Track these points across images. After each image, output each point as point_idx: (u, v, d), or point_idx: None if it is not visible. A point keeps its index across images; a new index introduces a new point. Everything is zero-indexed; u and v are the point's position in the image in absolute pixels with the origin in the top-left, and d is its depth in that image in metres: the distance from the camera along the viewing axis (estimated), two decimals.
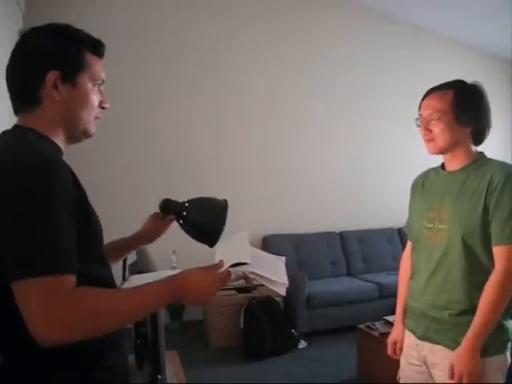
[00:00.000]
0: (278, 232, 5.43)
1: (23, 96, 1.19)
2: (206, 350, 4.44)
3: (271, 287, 1.25)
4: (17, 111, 1.21)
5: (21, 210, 0.99)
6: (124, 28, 4.93)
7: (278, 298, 4.58)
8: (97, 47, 1.25)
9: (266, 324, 4.33)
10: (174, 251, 4.80)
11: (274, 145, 5.60)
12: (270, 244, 5.31)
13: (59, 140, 1.21)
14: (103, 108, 1.29)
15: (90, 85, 1.22)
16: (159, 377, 1.47)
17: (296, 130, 5.69)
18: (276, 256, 1.39)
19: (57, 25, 1.24)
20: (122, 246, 1.60)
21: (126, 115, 4.86)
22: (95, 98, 1.25)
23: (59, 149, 1.21)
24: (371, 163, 6.08)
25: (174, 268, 4.77)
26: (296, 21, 5.66)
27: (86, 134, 1.27)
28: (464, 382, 1.66)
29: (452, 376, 1.69)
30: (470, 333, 1.67)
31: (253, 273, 1.23)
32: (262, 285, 4.25)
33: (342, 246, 5.62)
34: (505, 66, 6.93)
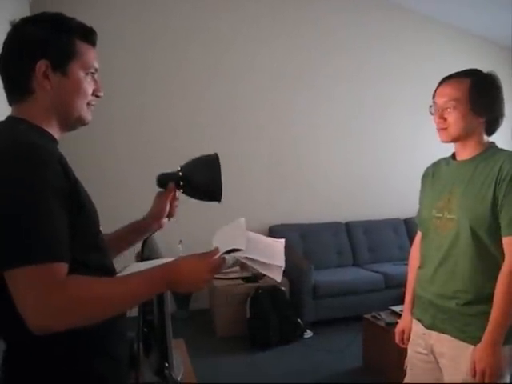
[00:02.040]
0: (285, 222, 5.43)
1: (15, 86, 1.19)
2: (212, 338, 4.46)
3: (266, 273, 1.22)
4: (10, 101, 1.21)
5: (9, 200, 1.00)
6: (131, 19, 4.91)
7: (284, 288, 4.59)
8: (88, 35, 1.24)
9: (272, 313, 4.34)
10: (181, 241, 4.82)
11: (281, 134, 5.59)
12: (276, 234, 5.30)
13: (53, 129, 1.21)
14: (98, 96, 1.29)
15: (81, 73, 1.21)
16: (166, 365, 1.48)
17: (303, 120, 5.67)
18: (275, 239, 1.37)
19: (47, 14, 1.23)
20: (128, 233, 1.59)
21: (131, 109, 4.87)
22: (87, 87, 1.23)
23: (52, 138, 1.21)
24: (378, 153, 6.05)
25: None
26: (304, 13, 5.61)
27: (80, 122, 1.26)
28: (487, 377, 1.64)
29: (474, 373, 1.67)
30: (489, 327, 1.66)
31: (247, 258, 1.20)
32: None
33: (348, 236, 5.61)
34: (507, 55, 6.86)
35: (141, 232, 1.60)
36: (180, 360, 1.84)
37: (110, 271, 1.25)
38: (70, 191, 1.09)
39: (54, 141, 1.21)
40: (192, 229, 5.06)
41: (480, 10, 5.76)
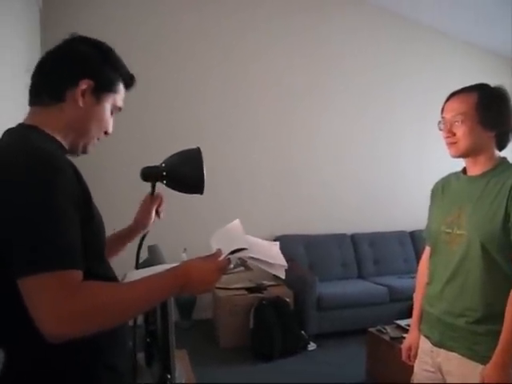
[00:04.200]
0: (290, 233, 5.41)
1: (49, 89, 1.21)
2: (215, 349, 4.43)
3: (270, 271, 1.27)
4: (33, 103, 1.23)
5: (24, 206, 0.99)
6: (137, 25, 4.94)
7: (288, 299, 4.57)
8: (130, 82, 1.34)
9: (276, 325, 4.31)
10: (185, 249, 4.80)
11: (287, 145, 5.58)
12: (281, 245, 5.21)
13: (64, 142, 1.23)
14: (106, 133, 1.32)
15: (109, 108, 1.28)
16: (168, 376, 1.46)
17: (309, 130, 5.67)
18: (270, 242, 1.40)
19: (107, 45, 1.30)
20: (113, 243, 1.58)
21: (135, 113, 4.88)
22: (108, 121, 1.29)
23: (63, 147, 1.22)
24: (384, 166, 6.04)
25: None
26: (311, 20, 5.62)
27: (83, 150, 1.30)
28: None
29: None
30: (499, 347, 1.63)
31: (251, 257, 1.25)
32: (273, 285, 4.28)
33: (353, 248, 5.59)
34: None
35: (125, 241, 1.64)
36: (182, 371, 1.82)
37: (113, 281, 1.25)
38: (82, 199, 1.10)
39: (63, 149, 1.22)
40: (196, 237, 5.04)
41: (486, 23, 5.77)
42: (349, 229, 5.72)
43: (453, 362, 1.78)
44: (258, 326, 4.33)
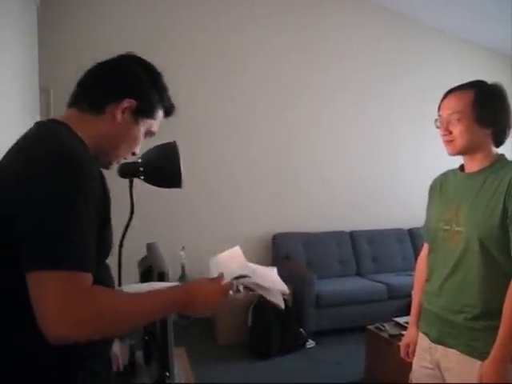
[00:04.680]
0: (288, 231, 5.41)
1: (92, 98, 1.23)
2: (213, 347, 4.43)
3: (270, 298, 1.32)
4: (71, 105, 1.25)
5: (48, 202, 0.98)
6: (135, 23, 4.93)
7: (286, 297, 4.56)
8: (170, 111, 1.35)
9: (274, 322, 4.31)
10: (183, 247, 4.80)
11: (285, 143, 5.58)
12: (279, 242, 5.29)
13: (90, 150, 1.21)
14: (133, 154, 1.34)
15: (143, 131, 1.29)
16: (167, 374, 1.46)
17: (307, 128, 5.66)
18: (267, 267, 1.43)
19: (158, 71, 1.32)
20: None
21: None
22: (138, 144, 1.31)
23: (89, 152, 1.20)
24: (383, 163, 6.04)
25: (182, 264, 4.78)
26: (310, 17, 5.61)
27: (106, 165, 1.30)
28: None
29: None
30: (498, 343, 1.63)
31: (254, 284, 1.30)
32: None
33: (351, 246, 5.59)
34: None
35: None
36: (181, 369, 1.82)
37: (109, 285, 1.24)
38: (103, 202, 1.11)
39: (88, 152, 1.20)
40: (194, 236, 5.06)
41: (483, 21, 5.77)
42: (347, 226, 5.72)
43: (451, 359, 1.78)
44: (256, 324, 4.33)
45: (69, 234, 0.98)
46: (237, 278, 1.28)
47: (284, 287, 1.37)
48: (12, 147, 1.14)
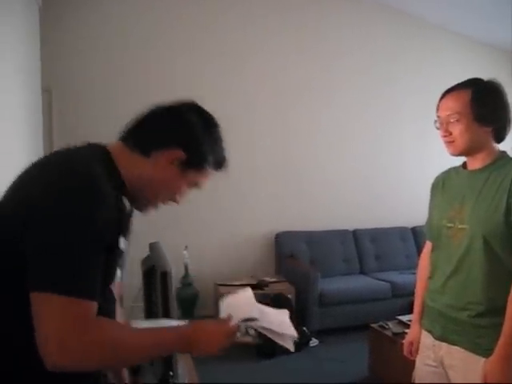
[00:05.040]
0: (291, 229, 5.41)
1: (139, 140, 1.20)
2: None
3: (280, 342, 1.31)
4: (121, 138, 1.22)
5: (62, 226, 0.97)
6: (136, 22, 4.93)
7: (290, 296, 4.56)
8: (220, 166, 1.29)
9: None
10: (186, 247, 4.81)
11: (288, 142, 5.57)
12: (282, 241, 5.29)
13: (128, 185, 1.20)
14: (174, 201, 1.30)
15: (189, 183, 1.26)
16: (171, 373, 1.45)
17: (310, 127, 5.65)
18: (279, 310, 1.42)
19: (215, 121, 1.27)
20: None
21: (133, 108, 4.86)
22: (180, 194, 1.28)
23: (122, 188, 1.18)
24: (386, 162, 6.03)
25: (185, 263, 4.78)
26: (310, 16, 5.60)
27: (143, 208, 1.28)
28: None
29: None
30: (501, 340, 1.62)
31: (263, 327, 1.29)
32: (275, 282, 4.27)
33: (355, 244, 5.59)
34: None
35: None
36: (185, 369, 1.81)
37: (109, 310, 1.23)
38: (115, 230, 1.09)
39: (122, 192, 1.19)
40: (197, 235, 5.06)
41: (484, 17, 5.75)
42: (351, 225, 5.72)
43: (455, 356, 1.78)
44: None
45: (78, 261, 0.97)
46: (245, 320, 1.27)
47: (293, 332, 1.36)
48: (47, 157, 1.15)
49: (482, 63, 6.21)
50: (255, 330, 1.32)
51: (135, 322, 1.38)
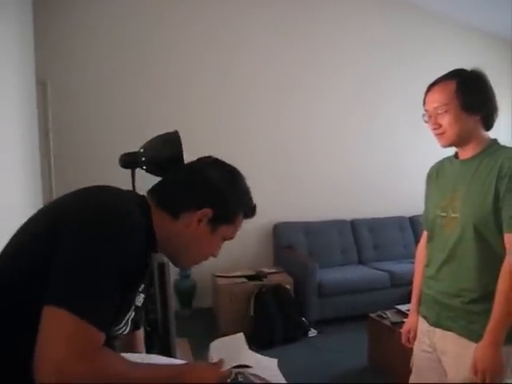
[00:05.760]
0: (289, 220, 5.41)
1: (167, 203, 1.21)
2: (216, 337, 4.41)
3: None
4: (152, 197, 1.23)
5: (93, 249, 0.98)
6: (132, 13, 4.89)
7: (288, 286, 4.57)
8: (249, 213, 1.30)
9: (276, 312, 4.31)
10: None
11: (285, 133, 5.55)
12: (280, 232, 5.29)
13: (158, 241, 1.22)
14: (212, 255, 1.30)
15: (222, 238, 1.26)
16: None
17: (307, 118, 5.64)
18: (268, 358, 1.42)
19: (236, 173, 1.32)
20: None
21: (128, 104, 4.85)
22: (216, 250, 1.28)
23: (154, 245, 1.21)
24: (383, 151, 6.02)
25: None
26: (305, 7, 5.57)
27: (180, 265, 1.32)
28: (488, 376, 1.62)
29: (475, 372, 1.65)
30: (490, 326, 1.64)
31: (254, 375, 1.28)
32: (273, 273, 4.25)
33: (353, 234, 5.59)
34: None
35: None
36: (183, 360, 1.81)
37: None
38: (137, 273, 1.10)
39: (153, 247, 1.21)
40: None
41: (483, 5, 5.72)
42: (349, 215, 5.72)
43: (449, 342, 1.80)
44: (258, 314, 4.33)
45: (100, 287, 0.97)
46: (237, 366, 1.27)
47: (283, 381, 1.36)
48: (94, 188, 1.16)
49: (482, 53, 6.18)
50: (245, 376, 1.31)
51: (131, 355, 1.37)
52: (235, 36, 5.32)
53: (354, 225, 5.66)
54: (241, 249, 5.20)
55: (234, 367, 1.26)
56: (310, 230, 5.40)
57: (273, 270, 4.92)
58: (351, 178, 5.85)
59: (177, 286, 4.86)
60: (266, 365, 1.38)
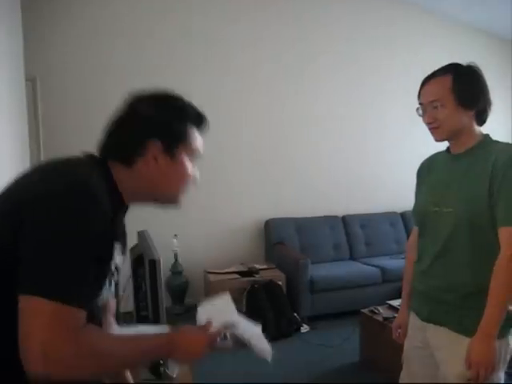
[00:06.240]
0: (281, 216, 5.41)
1: (119, 154, 1.17)
2: None
3: (257, 351, 1.30)
4: (105, 156, 1.19)
5: (52, 230, 0.95)
6: (124, 10, 4.86)
7: (280, 282, 4.57)
8: (200, 121, 1.26)
9: (269, 308, 4.32)
10: (176, 235, 4.79)
11: (276, 130, 5.54)
12: (272, 228, 5.29)
13: (130, 195, 1.19)
14: (194, 180, 1.27)
15: (187, 159, 1.22)
16: (161, 362, 1.45)
17: (298, 115, 5.63)
18: (254, 323, 1.42)
19: (165, 95, 1.24)
20: None
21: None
22: (189, 174, 1.23)
23: (122, 202, 1.18)
24: (374, 147, 6.03)
25: (175, 251, 4.77)
26: (295, 5, 5.56)
27: (173, 203, 1.26)
28: (482, 370, 1.63)
29: (469, 366, 1.66)
30: (484, 319, 1.64)
31: (242, 336, 1.27)
32: (265, 269, 4.24)
33: (344, 230, 5.59)
34: (506, 47, 6.82)
35: None
36: None
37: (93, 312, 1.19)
38: (110, 241, 1.08)
39: (123, 206, 1.20)
40: (187, 223, 5.04)
41: (481, 3, 5.73)
42: (340, 210, 5.73)
43: (441, 337, 1.80)
44: (250, 310, 4.33)
45: (70, 268, 0.95)
46: (225, 325, 1.27)
47: (269, 348, 1.36)
48: (48, 164, 1.13)
49: (482, 52, 6.17)
50: (234, 336, 1.31)
51: (117, 328, 1.36)
52: (232, 35, 5.31)
53: (345, 220, 5.67)
54: (233, 245, 5.21)
55: (223, 326, 1.26)
56: (302, 225, 5.40)
57: (265, 266, 4.92)
58: (343, 173, 5.86)
59: (169, 282, 4.85)
60: (251, 328, 1.39)
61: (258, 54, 5.42)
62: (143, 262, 1.48)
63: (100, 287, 1.15)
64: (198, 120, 1.26)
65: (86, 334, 0.98)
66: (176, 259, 4.86)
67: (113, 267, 1.18)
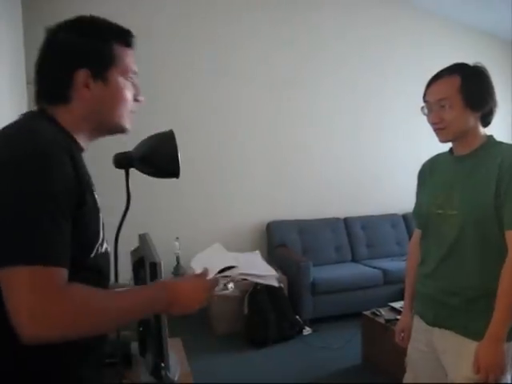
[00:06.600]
0: (283, 218, 5.40)
1: (51, 94, 1.15)
2: (209, 336, 4.42)
3: (263, 282, 1.29)
4: (41, 103, 1.17)
5: (14, 198, 0.94)
6: (123, 13, 4.86)
7: (282, 285, 4.56)
8: (126, 38, 1.20)
9: (271, 310, 4.31)
10: (177, 238, 4.79)
11: (277, 132, 5.55)
12: (274, 231, 5.28)
13: (83, 137, 1.18)
14: (137, 101, 1.25)
15: (122, 79, 1.18)
16: (162, 364, 1.44)
17: (298, 116, 5.63)
18: (250, 253, 1.41)
19: (83, 19, 1.19)
20: None
21: None
22: (128, 93, 1.20)
23: (79, 146, 1.16)
24: (376, 149, 6.03)
25: (177, 254, 4.76)
26: (296, 8, 5.56)
27: (120, 130, 1.23)
28: (490, 374, 1.62)
29: (477, 370, 1.64)
30: (492, 323, 1.63)
31: (244, 274, 1.26)
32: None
33: (346, 232, 5.59)
34: (507, 48, 6.82)
35: None
36: (177, 359, 1.80)
37: (102, 274, 1.19)
38: (77, 187, 1.03)
39: (79, 149, 1.16)
40: (189, 226, 5.03)
41: (482, 5, 5.73)
42: (342, 213, 5.72)
43: (448, 340, 1.78)
44: (252, 312, 4.32)
45: (37, 230, 0.93)
46: (223, 270, 1.27)
47: (272, 272, 1.35)
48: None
49: (477, 50, 6.17)
50: (235, 282, 1.31)
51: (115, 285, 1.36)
52: (230, 37, 5.31)
53: (347, 223, 5.66)
54: (234, 247, 5.20)
55: (220, 272, 1.26)
56: (304, 228, 5.39)
57: None
58: (344, 175, 5.86)
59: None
60: (250, 260, 1.38)
61: (252, 56, 5.42)
62: (143, 265, 1.47)
63: (97, 234, 1.13)
64: (123, 36, 1.20)
65: (74, 292, 0.97)
66: (178, 262, 4.86)
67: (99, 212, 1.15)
